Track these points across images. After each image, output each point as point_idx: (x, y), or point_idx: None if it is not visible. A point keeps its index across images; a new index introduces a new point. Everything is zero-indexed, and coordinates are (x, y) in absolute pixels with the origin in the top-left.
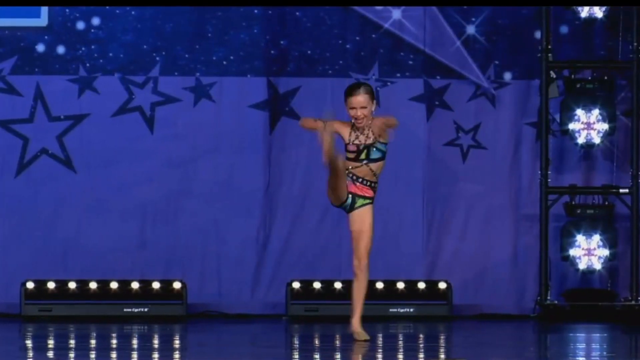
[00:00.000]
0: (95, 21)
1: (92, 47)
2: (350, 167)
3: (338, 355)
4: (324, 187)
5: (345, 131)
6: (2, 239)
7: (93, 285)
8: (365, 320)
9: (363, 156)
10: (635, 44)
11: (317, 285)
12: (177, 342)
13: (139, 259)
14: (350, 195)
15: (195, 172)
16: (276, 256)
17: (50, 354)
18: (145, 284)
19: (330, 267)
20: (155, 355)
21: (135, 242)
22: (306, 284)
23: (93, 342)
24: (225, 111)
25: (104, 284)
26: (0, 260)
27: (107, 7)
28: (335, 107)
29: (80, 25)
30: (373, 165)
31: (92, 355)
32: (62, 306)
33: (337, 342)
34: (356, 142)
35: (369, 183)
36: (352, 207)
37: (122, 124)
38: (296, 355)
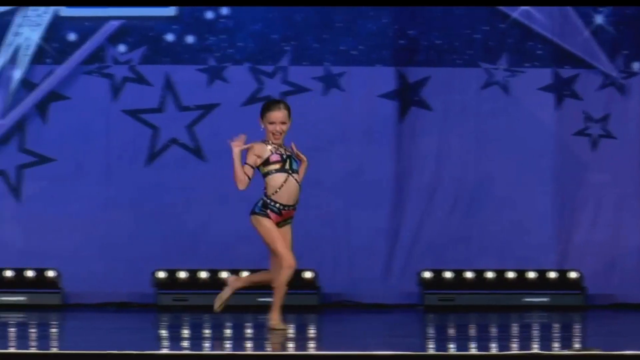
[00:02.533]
0: (224, 11)
1: (222, 36)
2: (274, 194)
3: (473, 345)
4: (455, 176)
5: (264, 149)
6: (133, 228)
7: (224, 274)
8: (498, 310)
9: (287, 165)
10: None
11: (448, 274)
12: (312, 332)
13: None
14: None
15: (325, 161)
16: (407, 246)
17: (185, 343)
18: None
19: (461, 257)
20: (291, 344)
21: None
22: (437, 273)
23: (228, 331)
24: (354, 101)
25: (235, 273)
26: (131, 250)
27: None
28: (462, 97)
29: (209, 14)
30: (297, 176)
31: (227, 345)
32: (194, 296)
33: (473, 332)
34: (279, 152)
35: (292, 207)
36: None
37: (252, 113)
38: (431, 345)
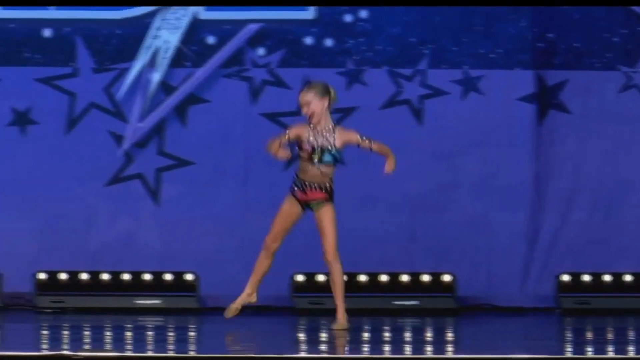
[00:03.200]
0: (363, 14)
1: (360, 39)
2: (300, 172)
3: (611, 348)
4: (593, 179)
5: (304, 132)
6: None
7: (363, 278)
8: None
9: (316, 158)
10: None
11: (586, 278)
12: (449, 335)
13: (409, 252)
14: (302, 205)
15: (463, 164)
16: (545, 249)
17: (323, 347)
18: (415, 276)
19: (599, 260)
20: (428, 348)
21: (404, 235)
22: (575, 276)
23: (366, 335)
24: (493, 104)
25: (373, 276)
26: None
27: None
28: (600, 100)
29: (348, 17)
30: (323, 168)
31: (365, 348)
32: (331, 299)
33: (610, 335)
34: (312, 141)
35: (318, 186)
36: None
37: (391, 116)
38: (569, 348)
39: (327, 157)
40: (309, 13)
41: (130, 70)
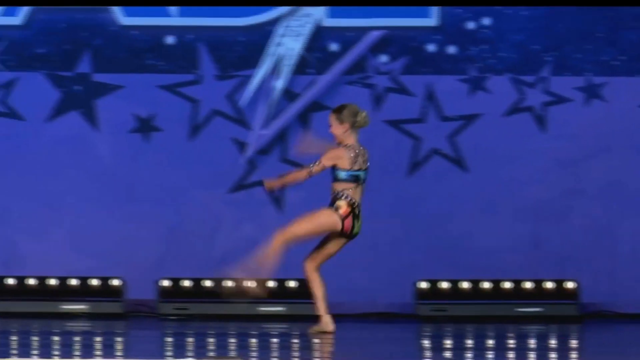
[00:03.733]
0: (486, 21)
1: (483, 47)
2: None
3: None
4: None
5: (347, 161)
6: (394, 238)
7: (486, 285)
8: None
9: (360, 181)
10: None
11: None
12: (573, 342)
13: (532, 259)
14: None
15: (587, 171)
16: None
17: (448, 354)
18: (538, 283)
19: None
20: (553, 355)
21: (528, 242)
22: None
23: (490, 342)
24: (615, 111)
25: (496, 284)
26: (393, 259)
27: (498, 7)
28: None
29: (471, 25)
30: (363, 185)
31: (489, 355)
32: (455, 306)
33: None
34: (357, 160)
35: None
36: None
37: (514, 123)
38: None
39: (364, 175)
40: (432, 20)
41: (253, 78)
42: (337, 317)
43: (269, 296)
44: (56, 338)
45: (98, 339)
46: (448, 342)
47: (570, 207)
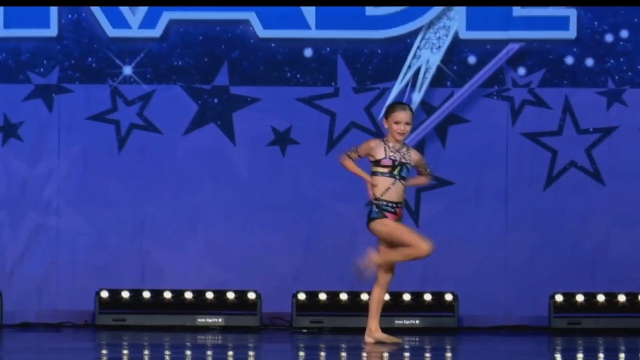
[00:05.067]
0: (624, 34)
1: (621, 59)
2: (383, 194)
3: None
4: None
5: (379, 150)
6: (530, 251)
7: (621, 298)
8: None
9: (396, 172)
10: None
11: None
12: None
13: None
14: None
15: None
16: None
17: None
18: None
19: None
20: None
21: None
22: None
23: (622, 355)
24: None
25: (632, 296)
26: (529, 272)
27: (636, 20)
28: None
29: (609, 37)
30: (404, 182)
31: None
32: (590, 319)
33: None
34: (392, 157)
35: (402, 204)
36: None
37: None
38: None
39: (405, 172)
40: (570, 33)
41: (391, 90)
42: (471, 330)
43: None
44: (189, 352)
45: (230, 352)
46: (580, 356)
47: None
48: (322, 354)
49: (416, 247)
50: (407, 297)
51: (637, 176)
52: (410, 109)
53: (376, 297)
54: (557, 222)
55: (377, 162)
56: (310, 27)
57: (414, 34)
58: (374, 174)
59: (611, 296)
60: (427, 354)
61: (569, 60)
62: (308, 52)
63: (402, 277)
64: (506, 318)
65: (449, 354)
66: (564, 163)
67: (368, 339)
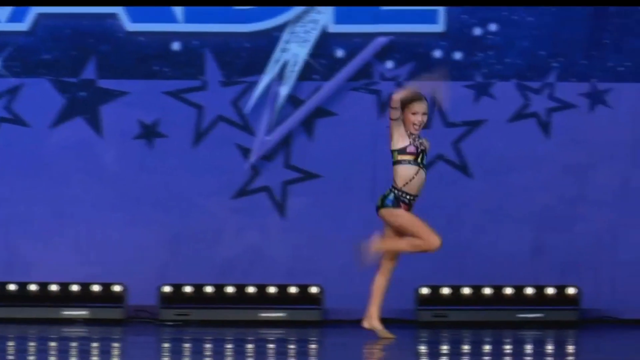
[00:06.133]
0: (492, 27)
1: (489, 53)
2: (405, 185)
3: None
4: None
5: (404, 137)
6: None
7: (487, 290)
8: None
9: (419, 159)
10: None
11: None
12: (570, 348)
13: (534, 265)
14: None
15: (591, 178)
16: None
17: (444, 359)
18: (539, 289)
19: None
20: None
21: (530, 248)
22: None
23: (487, 347)
24: (620, 117)
25: (498, 289)
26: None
27: (504, 14)
28: None
29: (477, 31)
30: (425, 170)
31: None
32: (456, 312)
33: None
34: (415, 144)
35: (416, 199)
36: None
37: (518, 129)
38: None
39: (425, 160)
40: (438, 26)
41: (258, 84)
42: (336, 323)
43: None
44: (53, 344)
45: (95, 344)
46: (445, 348)
47: (574, 214)
48: (187, 345)
49: (427, 240)
50: (272, 289)
51: (505, 170)
52: (426, 99)
53: (378, 284)
54: (424, 215)
55: (402, 150)
56: (179, 20)
57: (281, 27)
58: (397, 162)
59: (477, 289)
60: (292, 346)
61: (437, 53)
62: (176, 46)
63: (268, 270)
64: None
65: (312, 346)
66: (431, 156)
67: (365, 324)
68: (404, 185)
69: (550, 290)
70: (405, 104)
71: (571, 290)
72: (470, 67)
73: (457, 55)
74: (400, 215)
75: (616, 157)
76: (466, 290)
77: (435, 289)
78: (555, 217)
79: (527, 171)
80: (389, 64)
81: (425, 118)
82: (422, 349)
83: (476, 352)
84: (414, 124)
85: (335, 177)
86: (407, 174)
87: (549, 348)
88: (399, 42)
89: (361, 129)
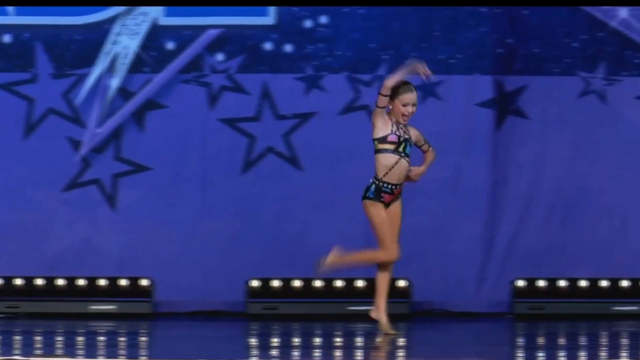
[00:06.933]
0: (323, 20)
1: (320, 45)
2: (385, 175)
3: (562, 354)
4: (551, 185)
5: (387, 124)
6: (229, 237)
7: (318, 283)
8: (587, 318)
9: (401, 148)
10: None
11: (541, 283)
12: (401, 340)
13: None
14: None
15: None
16: (501, 255)
17: (274, 352)
18: (370, 282)
19: (555, 266)
20: (381, 353)
21: (361, 241)
22: (530, 282)
23: (317, 340)
24: (451, 109)
25: (328, 282)
26: (226, 259)
27: (334, 7)
28: (559, 106)
29: (308, 23)
30: (408, 159)
31: (316, 353)
32: (286, 304)
33: (562, 340)
34: (397, 133)
35: (401, 185)
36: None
37: (349, 122)
38: (521, 354)
39: (408, 149)
40: (269, 19)
41: (89, 76)
42: (167, 316)
43: None
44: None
45: None
46: (275, 341)
47: (405, 205)
48: (18, 338)
49: (386, 250)
50: (103, 282)
51: (335, 162)
52: (416, 89)
53: (381, 278)
54: (255, 208)
55: (383, 139)
56: (9, 13)
57: (112, 20)
58: (378, 151)
59: (308, 282)
60: (122, 339)
61: (268, 46)
62: (7, 38)
63: (98, 263)
64: (203, 304)
65: (143, 339)
66: (262, 149)
67: (373, 314)
68: (384, 175)
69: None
70: (395, 93)
71: (402, 283)
72: (301, 60)
73: (288, 48)
74: (375, 214)
75: (447, 149)
76: (297, 283)
77: (265, 281)
78: None
79: (358, 163)
80: (220, 57)
81: (414, 109)
82: (253, 341)
83: (306, 345)
84: (403, 114)
85: (165, 170)
86: (387, 163)
87: (378, 340)
88: (229, 34)
89: (192, 122)
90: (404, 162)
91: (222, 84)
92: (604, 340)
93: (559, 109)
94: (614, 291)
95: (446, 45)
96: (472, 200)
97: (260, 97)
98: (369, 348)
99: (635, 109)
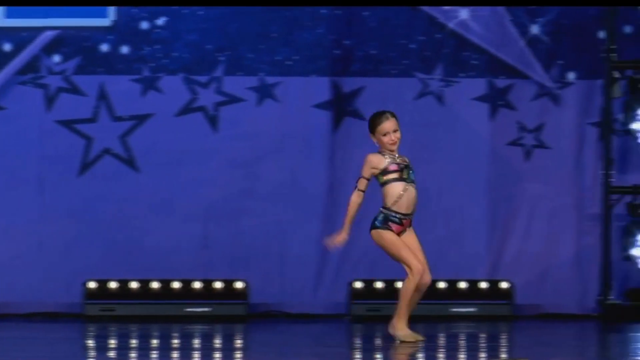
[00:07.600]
0: (160, 21)
1: (156, 47)
2: (394, 204)
3: (400, 355)
4: None
5: (380, 160)
6: (66, 239)
7: (155, 284)
8: (426, 319)
9: (405, 175)
10: None
11: (379, 285)
12: (239, 342)
13: (202, 259)
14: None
15: (259, 172)
16: (339, 256)
17: (112, 353)
18: (208, 283)
19: (392, 267)
20: (217, 355)
21: (198, 242)
22: (368, 283)
23: (155, 341)
24: (289, 111)
25: (166, 283)
26: (63, 260)
27: (173, 7)
28: (396, 107)
29: (145, 25)
30: (414, 186)
31: (154, 355)
32: (124, 306)
33: (399, 342)
34: (396, 162)
35: (411, 215)
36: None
37: (186, 124)
38: (358, 355)
39: (412, 176)
40: (105, 20)
41: None
42: (4, 317)
43: None
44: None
45: None
46: (113, 342)
47: (243, 208)
48: None
49: (410, 266)
50: None
51: (172, 163)
52: (393, 115)
53: (413, 296)
54: (92, 210)
55: (384, 171)
56: None
57: None
58: (384, 184)
59: (145, 283)
60: None
61: (105, 47)
62: None
63: None
64: (40, 305)
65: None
66: (98, 150)
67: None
68: (393, 204)
69: (218, 285)
70: (373, 128)
71: (239, 285)
72: (138, 61)
73: (124, 49)
74: (386, 238)
75: (285, 151)
76: (134, 285)
77: (102, 282)
78: (224, 212)
79: (195, 165)
80: (57, 58)
81: (398, 134)
82: (90, 343)
83: (144, 347)
84: (389, 143)
85: (2, 171)
86: (394, 192)
87: (217, 342)
88: (66, 36)
89: (28, 123)
90: (411, 190)
91: (59, 86)
92: (441, 342)
93: (396, 110)
94: (452, 292)
95: (283, 46)
96: (309, 202)
97: (97, 98)
98: (206, 349)
99: (472, 110)
